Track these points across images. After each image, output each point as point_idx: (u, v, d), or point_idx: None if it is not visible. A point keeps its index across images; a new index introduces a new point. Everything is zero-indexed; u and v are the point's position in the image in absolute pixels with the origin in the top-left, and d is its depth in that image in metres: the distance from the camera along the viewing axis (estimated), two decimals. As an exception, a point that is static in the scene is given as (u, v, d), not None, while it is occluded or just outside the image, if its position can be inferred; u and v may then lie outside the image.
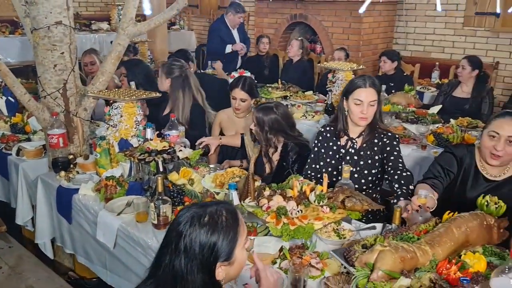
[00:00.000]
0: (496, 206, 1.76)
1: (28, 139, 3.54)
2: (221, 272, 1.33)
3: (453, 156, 2.37)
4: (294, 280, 1.82)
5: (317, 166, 2.77)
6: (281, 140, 2.89)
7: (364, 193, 2.60)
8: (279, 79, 5.16)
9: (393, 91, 4.93)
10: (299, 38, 5.77)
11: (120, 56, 3.15)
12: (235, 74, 5.31)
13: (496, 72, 6.29)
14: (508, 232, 1.77)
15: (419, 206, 1.92)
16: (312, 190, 2.21)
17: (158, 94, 3.06)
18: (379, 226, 2.22)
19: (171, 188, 2.53)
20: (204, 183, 2.49)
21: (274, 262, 1.98)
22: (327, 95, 4.32)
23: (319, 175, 2.71)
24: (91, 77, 4.70)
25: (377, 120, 2.61)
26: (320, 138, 2.79)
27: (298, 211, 2.07)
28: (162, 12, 3.17)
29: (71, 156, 3.06)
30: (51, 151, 3.11)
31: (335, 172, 2.72)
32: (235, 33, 6.11)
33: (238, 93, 3.38)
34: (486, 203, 1.78)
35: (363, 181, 2.66)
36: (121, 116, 2.92)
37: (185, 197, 2.52)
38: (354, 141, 2.68)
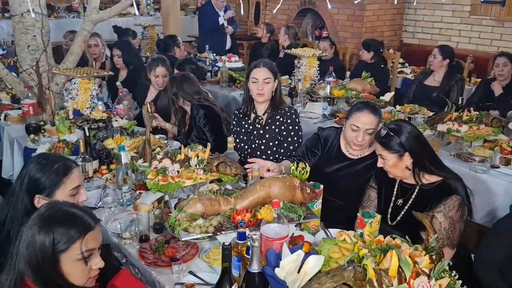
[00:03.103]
0: (302, 171, 2.10)
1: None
2: (39, 202, 1.82)
3: (318, 137, 2.73)
4: (158, 224, 2.30)
5: (236, 144, 3.19)
6: (187, 104, 3.42)
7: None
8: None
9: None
10: (286, 25, 6.08)
11: (86, 39, 3.71)
12: (224, 58, 5.75)
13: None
14: (316, 193, 2.13)
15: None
16: (197, 156, 2.64)
17: (110, 73, 3.58)
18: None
19: (101, 151, 3.06)
20: (121, 146, 2.97)
21: (150, 211, 2.45)
22: (291, 79, 4.65)
23: (239, 152, 3.13)
24: (93, 58, 5.35)
25: (277, 98, 2.98)
26: (235, 119, 3.21)
27: (176, 172, 2.52)
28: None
29: (41, 122, 3.67)
30: (28, 118, 3.73)
31: (246, 146, 3.13)
32: (221, 14, 6.55)
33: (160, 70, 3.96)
34: (295, 167, 2.13)
35: (269, 152, 3.06)
36: (78, 91, 3.47)
37: (113, 159, 3.04)
38: (260, 118, 3.07)
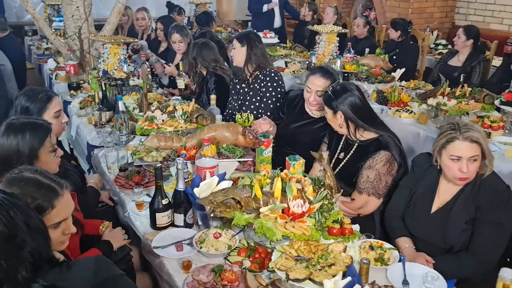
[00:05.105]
0: (246, 119, 2.46)
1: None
2: None
3: (287, 98, 3.06)
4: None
5: (229, 103, 3.62)
6: (204, 69, 3.84)
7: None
8: (287, 40, 5.84)
9: (394, 56, 5.32)
10: (333, 5, 6.29)
11: (121, 11, 4.29)
12: (260, 34, 6.12)
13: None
14: (260, 140, 2.48)
15: None
16: (182, 109, 3.10)
17: (136, 40, 4.13)
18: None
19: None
20: (118, 97, 3.45)
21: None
22: (310, 54, 4.94)
23: (231, 111, 3.54)
24: (142, 30, 5.98)
25: (248, 61, 3.34)
26: (232, 83, 3.62)
27: (162, 120, 3.00)
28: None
29: (81, 81, 4.33)
30: (71, 77, 4.41)
31: (235, 104, 3.53)
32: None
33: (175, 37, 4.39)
34: (240, 116, 2.49)
35: (252, 106, 3.41)
36: (109, 55, 4.07)
37: (126, 111, 3.60)
38: (247, 80, 3.45)
